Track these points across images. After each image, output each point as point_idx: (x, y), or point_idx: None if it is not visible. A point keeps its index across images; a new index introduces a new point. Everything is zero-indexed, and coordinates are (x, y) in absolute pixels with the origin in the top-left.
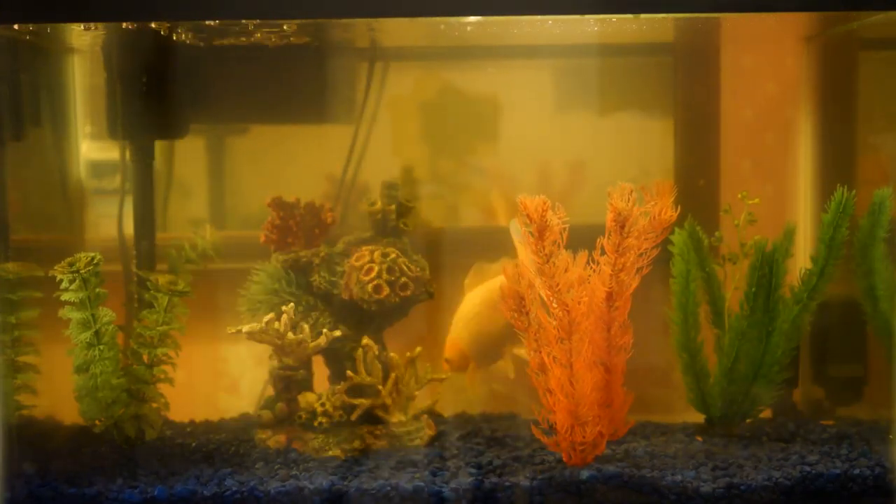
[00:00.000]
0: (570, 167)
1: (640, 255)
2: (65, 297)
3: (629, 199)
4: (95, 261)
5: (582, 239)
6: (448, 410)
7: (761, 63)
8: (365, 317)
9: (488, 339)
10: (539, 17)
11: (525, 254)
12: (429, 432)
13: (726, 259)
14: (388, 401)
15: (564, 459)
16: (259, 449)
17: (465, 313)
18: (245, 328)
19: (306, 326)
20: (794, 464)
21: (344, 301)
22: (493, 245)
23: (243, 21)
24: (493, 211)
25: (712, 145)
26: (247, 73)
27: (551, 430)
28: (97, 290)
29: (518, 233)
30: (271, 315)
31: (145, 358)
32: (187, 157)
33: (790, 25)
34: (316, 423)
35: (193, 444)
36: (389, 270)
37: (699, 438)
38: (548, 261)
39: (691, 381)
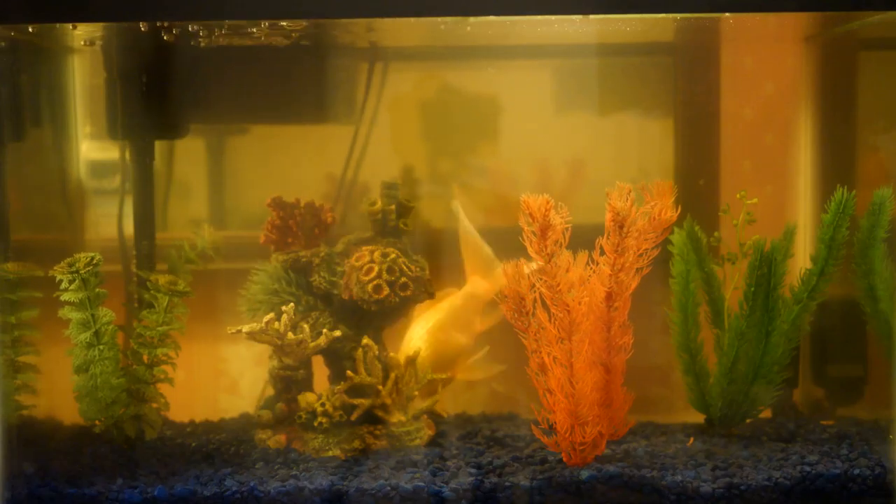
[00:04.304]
0: (570, 167)
1: (640, 255)
2: (65, 297)
3: (628, 198)
4: (95, 261)
5: (582, 239)
6: None
7: (761, 63)
8: (365, 317)
9: None
10: (539, 17)
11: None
12: (429, 432)
13: (725, 259)
14: (388, 401)
15: (564, 459)
16: (259, 449)
17: None
18: (245, 328)
19: (306, 326)
20: (794, 464)
21: (344, 301)
22: (492, 245)
23: (243, 21)
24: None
25: (712, 145)
26: (247, 72)
27: (551, 430)
28: (97, 290)
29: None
30: (271, 315)
31: (145, 358)
32: (187, 157)
33: (790, 25)
34: (316, 423)
35: (193, 444)
36: (389, 270)
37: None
38: (549, 260)
39: (691, 381)
